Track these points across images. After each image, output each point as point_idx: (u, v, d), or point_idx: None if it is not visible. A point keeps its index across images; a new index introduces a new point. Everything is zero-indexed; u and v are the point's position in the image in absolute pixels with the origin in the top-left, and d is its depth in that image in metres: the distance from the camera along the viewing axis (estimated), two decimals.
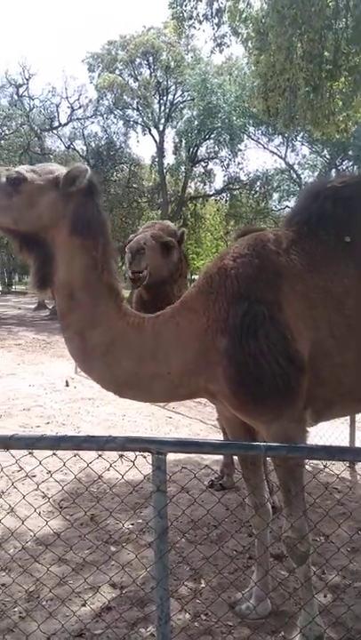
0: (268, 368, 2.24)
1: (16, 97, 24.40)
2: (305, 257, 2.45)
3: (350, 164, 24.65)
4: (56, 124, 25.37)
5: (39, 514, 3.43)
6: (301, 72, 6.88)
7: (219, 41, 8.86)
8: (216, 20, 8.39)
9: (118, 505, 3.76)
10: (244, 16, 7.87)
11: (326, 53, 7.15)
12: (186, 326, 2.40)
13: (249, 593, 2.88)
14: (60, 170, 2.34)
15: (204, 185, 28.35)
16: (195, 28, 8.86)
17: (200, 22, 8.57)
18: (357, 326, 2.37)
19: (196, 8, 8.48)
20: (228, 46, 9.58)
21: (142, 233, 3.83)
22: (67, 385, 8.79)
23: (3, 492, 3.95)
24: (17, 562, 3.17)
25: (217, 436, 6.02)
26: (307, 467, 2.89)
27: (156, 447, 1.83)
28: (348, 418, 5.15)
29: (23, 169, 2.34)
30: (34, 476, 4.18)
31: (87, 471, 4.28)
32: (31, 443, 1.95)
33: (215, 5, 8.25)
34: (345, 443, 5.09)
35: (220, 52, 9.05)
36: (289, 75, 6.84)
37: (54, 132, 25.97)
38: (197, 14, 8.50)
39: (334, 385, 2.45)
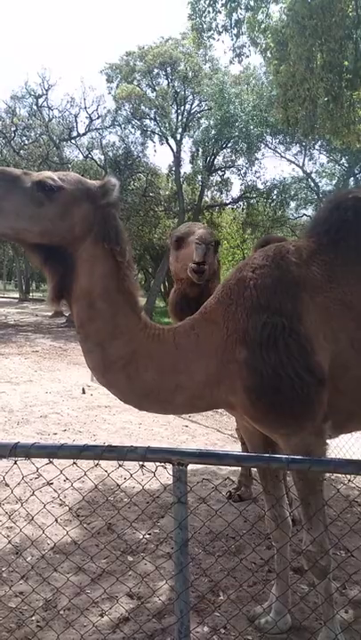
0: (287, 379, 2.23)
1: (35, 107, 24.79)
2: (325, 268, 2.43)
3: None
4: (75, 134, 25.68)
5: (57, 522, 3.44)
6: (322, 82, 6.88)
7: (238, 51, 8.93)
8: (235, 31, 8.46)
9: (137, 515, 3.75)
10: (263, 27, 7.92)
11: (346, 63, 7.14)
12: (206, 337, 2.39)
13: (269, 607, 2.84)
14: (88, 181, 2.32)
15: (221, 193, 28.41)
16: (214, 39, 8.93)
17: (219, 33, 8.64)
18: None
19: (215, 19, 8.57)
20: (248, 56, 9.57)
21: (196, 229, 3.80)
22: (83, 392, 8.83)
23: (21, 500, 3.97)
24: (35, 570, 3.17)
25: (234, 446, 5.98)
26: (326, 479, 2.85)
27: (178, 458, 1.82)
28: None
29: (54, 176, 2.19)
30: (51, 484, 4.20)
31: (104, 479, 4.30)
32: (52, 452, 1.96)
33: (234, 16, 8.32)
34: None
35: (240, 62, 9.13)
36: (309, 84, 6.84)
37: (73, 141, 26.29)
38: (217, 25, 8.59)
39: (355, 397, 2.42)
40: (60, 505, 4.22)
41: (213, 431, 6.79)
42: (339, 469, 1.81)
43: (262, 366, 2.24)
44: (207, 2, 8.33)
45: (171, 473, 1.89)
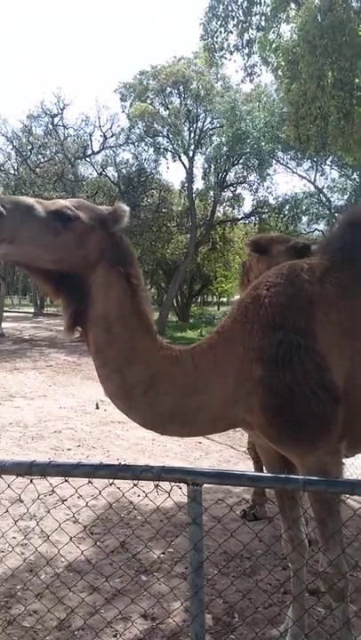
0: (303, 397, 2.22)
1: (51, 126, 25.25)
2: (339, 285, 2.43)
3: None
4: (89, 152, 26.07)
5: (71, 539, 3.44)
6: (333, 99, 6.94)
7: (249, 70, 9.06)
8: (247, 51, 8.59)
9: (151, 534, 3.72)
10: (274, 46, 8.04)
11: (357, 80, 7.21)
12: (224, 356, 2.39)
13: (285, 630, 2.79)
14: (99, 207, 2.34)
15: (233, 209, 28.58)
16: (225, 58, 9.06)
17: (231, 53, 8.78)
18: None
19: (227, 39, 8.72)
20: (259, 75, 9.73)
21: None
22: (97, 407, 8.84)
23: (35, 517, 3.97)
24: (50, 589, 3.16)
25: (248, 463, 5.92)
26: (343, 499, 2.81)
27: (193, 478, 1.81)
28: None
29: (70, 205, 2.22)
30: (65, 500, 4.19)
31: (117, 497, 4.28)
32: (68, 471, 1.96)
33: (246, 36, 8.46)
34: None
35: (251, 81, 9.28)
36: (320, 102, 6.91)
37: (87, 159, 26.69)
38: (228, 45, 8.71)
39: None
40: (74, 522, 4.21)
41: (227, 448, 6.74)
42: (356, 491, 1.79)
43: (278, 384, 2.24)
44: (219, 22, 8.50)
45: (185, 492, 1.89)
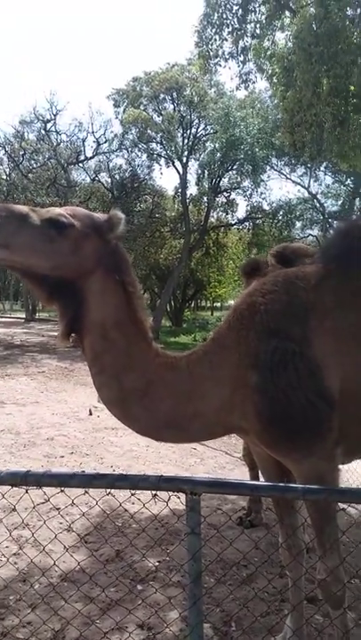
0: (298, 404, 2.22)
1: (44, 132, 25.23)
2: (333, 294, 2.44)
3: None
4: (82, 157, 26.07)
5: (64, 548, 3.39)
6: (328, 107, 6.99)
7: (244, 77, 9.10)
8: (241, 58, 8.64)
9: (146, 542, 3.69)
10: (268, 53, 8.08)
11: (352, 88, 7.27)
12: (219, 363, 2.39)
13: (283, 638, 2.76)
14: (95, 215, 2.35)
15: (227, 214, 28.72)
16: (220, 65, 9.11)
17: (226, 60, 8.83)
18: None
19: (221, 47, 8.76)
20: (254, 82, 9.74)
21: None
22: (90, 414, 8.78)
23: (29, 526, 3.91)
24: (44, 599, 3.11)
25: (243, 469, 5.90)
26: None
27: (191, 487, 1.79)
28: None
29: (64, 212, 2.25)
30: (59, 509, 4.14)
31: (112, 505, 4.24)
32: (64, 481, 1.93)
33: (240, 44, 8.50)
34: None
35: (246, 88, 9.31)
36: (316, 109, 6.96)
37: (80, 165, 26.68)
38: (223, 53, 8.76)
39: None
40: (68, 531, 4.16)
41: (222, 454, 6.71)
42: (356, 499, 1.77)
43: (273, 391, 2.24)
44: (214, 30, 8.55)
45: (181, 500, 1.86)
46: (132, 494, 1.98)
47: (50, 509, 4.15)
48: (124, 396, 2.29)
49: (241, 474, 5.82)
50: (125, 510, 4.42)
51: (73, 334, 2.29)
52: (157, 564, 3.72)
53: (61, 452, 6.56)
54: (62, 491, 1.98)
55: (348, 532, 3.61)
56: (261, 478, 3.12)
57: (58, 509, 4.02)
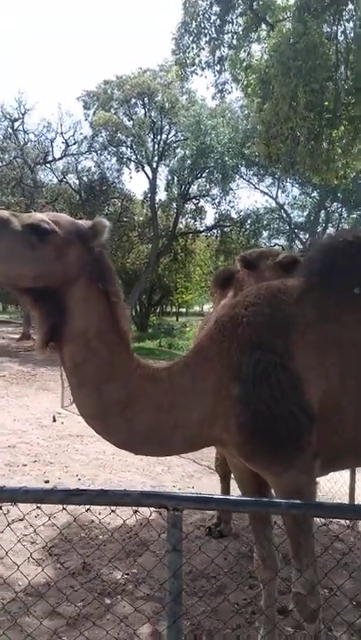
0: (280, 416, 2.22)
1: (11, 130, 24.67)
2: (315, 307, 2.46)
3: (339, 206, 25.38)
4: (50, 158, 25.67)
5: (29, 560, 3.27)
6: (304, 121, 7.13)
7: (220, 87, 9.20)
8: (218, 68, 8.72)
9: (114, 553, 3.61)
10: (244, 65, 8.19)
11: (327, 103, 7.45)
12: (201, 375, 2.36)
13: None
14: (79, 222, 2.29)
15: (195, 221, 28.84)
16: (197, 74, 9.17)
17: (202, 69, 8.89)
18: None
19: (198, 55, 8.82)
20: (230, 92, 9.85)
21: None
22: (54, 420, 8.59)
23: None
24: (8, 614, 2.99)
25: (211, 477, 5.88)
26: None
27: (175, 504, 1.74)
28: None
29: (46, 218, 2.18)
30: (21, 520, 4.01)
31: (77, 515, 4.13)
32: (40, 497, 1.84)
33: (217, 54, 8.59)
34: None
35: (222, 97, 9.39)
36: (293, 123, 7.09)
37: (48, 165, 26.26)
38: (200, 61, 8.82)
39: (344, 435, 2.42)
40: (32, 543, 4.02)
41: (190, 462, 6.67)
42: (339, 515, 1.77)
43: (256, 403, 2.24)
44: (191, 38, 8.62)
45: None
46: (113, 511, 1.92)
47: (13, 520, 4.02)
48: (105, 408, 2.24)
49: (209, 482, 5.80)
50: (92, 521, 4.32)
51: (51, 343, 2.21)
52: (126, 575, 3.65)
53: (24, 461, 6.37)
54: (39, 507, 1.89)
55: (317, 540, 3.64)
56: (233, 489, 3.11)
57: (20, 520, 3.91)
